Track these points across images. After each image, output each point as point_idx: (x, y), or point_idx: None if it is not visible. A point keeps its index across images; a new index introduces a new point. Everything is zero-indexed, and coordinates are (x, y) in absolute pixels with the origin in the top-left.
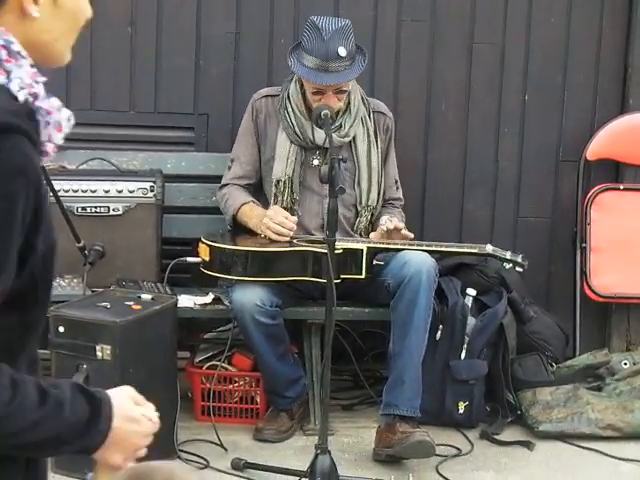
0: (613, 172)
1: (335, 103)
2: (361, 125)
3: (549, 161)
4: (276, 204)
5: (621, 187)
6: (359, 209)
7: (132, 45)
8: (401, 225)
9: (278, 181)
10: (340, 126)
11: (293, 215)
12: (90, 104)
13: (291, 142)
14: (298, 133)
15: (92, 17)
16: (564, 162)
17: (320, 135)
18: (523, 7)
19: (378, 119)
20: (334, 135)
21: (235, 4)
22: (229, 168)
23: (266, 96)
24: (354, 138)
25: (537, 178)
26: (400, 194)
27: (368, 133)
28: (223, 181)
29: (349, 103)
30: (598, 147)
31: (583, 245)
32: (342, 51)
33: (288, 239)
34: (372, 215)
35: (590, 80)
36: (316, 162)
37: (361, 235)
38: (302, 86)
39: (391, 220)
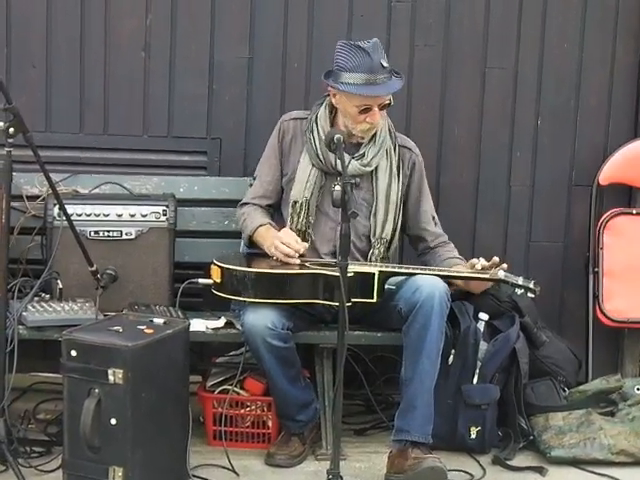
0: (626, 197)
1: (379, 120)
2: (385, 157)
3: (562, 185)
4: (291, 225)
5: (634, 212)
6: (372, 240)
7: (145, 70)
8: (491, 262)
9: (295, 202)
10: (363, 155)
11: (306, 238)
12: (103, 128)
13: (313, 165)
14: (321, 157)
15: (106, 42)
16: (577, 187)
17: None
18: (536, 32)
19: (403, 154)
20: (356, 163)
21: (248, 29)
22: (251, 186)
23: (295, 118)
24: (376, 169)
25: (550, 202)
26: (440, 229)
27: (391, 166)
28: (244, 199)
29: (375, 133)
30: (611, 172)
31: (596, 270)
32: (384, 62)
33: (297, 261)
34: (387, 249)
35: (603, 105)
36: (337, 188)
37: None
38: (332, 111)
39: (479, 259)
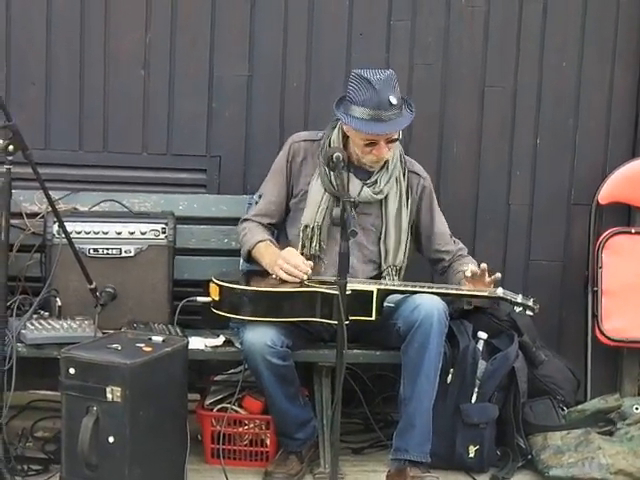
0: (625, 216)
1: (386, 153)
2: (395, 184)
3: (561, 204)
4: (303, 250)
5: (633, 231)
6: (384, 267)
7: (145, 87)
8: (482, 268)
9: (306, 226)
10: (375, 182)
11: (319, 263)
12: (103, 146)
13: (325, 190)
14: (333, 183)
15: (105, 59)
16: (576, 205)
17: (355, 188)
18: (534, 51)
19: (411, 179)
20: (369, 190)
21: (248, 47)
22: (256, 203)
23: (305, 140)
24: (386, 195)
25: (549, 221)
26: (459, 244)
27: (400, 193)
28: (246, 215)
29: (387, 160)
30: (610, 191)
31: (594, 289)
32: (393, 99)
33: (298, 279)
34: (398, 276)
35: (602, 123)
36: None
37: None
38: (344, 136)
39: (475, 267)
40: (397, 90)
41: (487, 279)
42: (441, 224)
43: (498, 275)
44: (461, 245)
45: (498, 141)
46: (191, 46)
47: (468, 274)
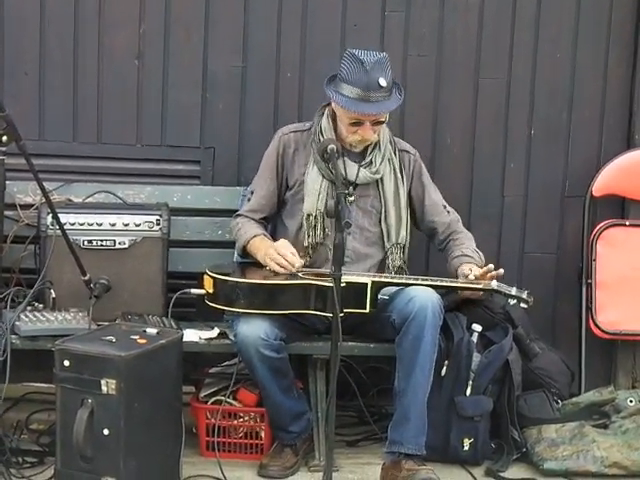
0: (619, 208)
1: (371, 135)
2: (388, 164)
3: (555, 197)
4: (308, 239)
5: (627, 223)
6: (388, 246)
7: (139, 78)
8: (484, 270)
9: (309, 215)
10: (371, 162)
11: (325, 250)
12: (97, 137)
13: (323, 177)
14: (330, 168)
15: (99, 51)
16: (570, 198)
17: (352, 171)
18: (529, 42)
19: (403, 157)
20: (365, 171)
21: (242, 38)
22: (248, 200)
23: (294, 131)
24: (382, 177)
25: (543, 213)
26: (454, 214)
27: (394, 172)
28: (239, 211)
29: (379, 140)
30: (604, 183)
31: (589, 281)
32: (383, 81)
33: (294, 269)
34: (403, 253)
35: (596, 115)
36: (351, 198)
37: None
38: (334, 120)
39: (471, 269)
40: (389, 73)
41: (489, 275)
42: (434, 194)
43: (501, 271)
44: (454, 216)
45: (492, 132)
46: (185, 37)
47: (472, 277)
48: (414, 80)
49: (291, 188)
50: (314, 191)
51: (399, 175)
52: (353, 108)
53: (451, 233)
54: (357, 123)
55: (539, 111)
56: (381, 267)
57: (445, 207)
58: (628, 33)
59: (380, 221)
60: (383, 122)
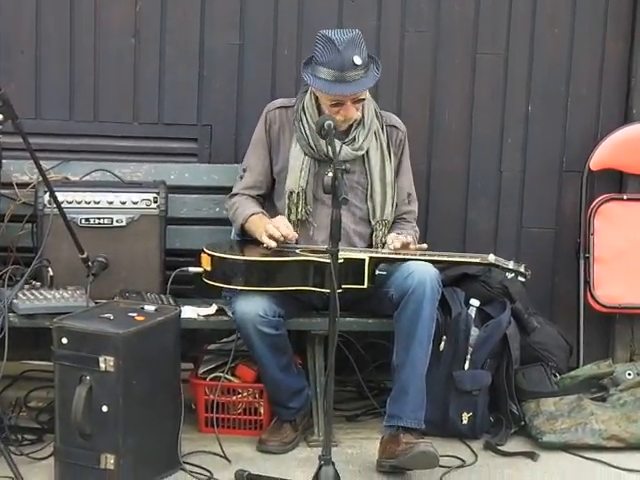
0: (617, 182)
1: (354, 113)
2: (374, 139)
3: (553, 171)
4: (290, 216)
5: (625, 197)
6: (373, 223)
7: (136, 56)
8: (408, 239)
9: (291, 192)
10: (354, 139)
11: (308, 227)
12: (94, 116)
13: (305, 154)
14: (312, 145)
15: (96, 28)
16: (568, 172)
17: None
18: (526, 18)
19: (391, 133)
20: (348, 148)
21: (239, 16)
22: (241, 178)
23: (280, 107)
24: (367, 152)
25: (541, 188)
26: (413, 207)
27: (381, 147)
28: (234, 190)
29: (363, 116)
30: (601, 157)
31: (586, 255)
32: (357, 60)
33: (289, 246)
34: (389, 230)
35: (593, 90)
36: (331, 175)
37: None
38: (317, 98)
39: (397, 237)
40: (363, 50)
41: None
42: (405, 180)
43: (424, 246)
44: (412, 208)
45: (490, 108)
46: (182, 14)
47: (391, 247)
48: (411, 56)
49: (277, 165)
50: (296, 168)
51: (386, 151)
52: (331, 90)
53: (399, 221)
54: (338, 104)
55: (537, 86)
56: (369, 244)
57: (409, 195)
58: (626, 8)
59: (367, 198)
60: (364, 99)
